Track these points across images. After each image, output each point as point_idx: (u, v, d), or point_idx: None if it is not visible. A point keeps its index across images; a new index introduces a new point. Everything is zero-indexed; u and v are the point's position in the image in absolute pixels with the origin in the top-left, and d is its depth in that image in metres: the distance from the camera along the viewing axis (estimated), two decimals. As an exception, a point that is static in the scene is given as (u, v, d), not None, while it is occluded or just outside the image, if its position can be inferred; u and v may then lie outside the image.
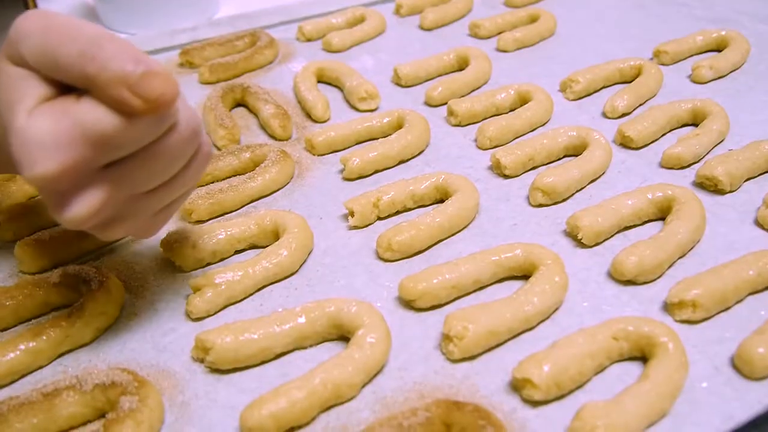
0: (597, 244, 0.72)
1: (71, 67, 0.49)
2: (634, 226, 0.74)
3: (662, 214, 0.73)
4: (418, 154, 0.88)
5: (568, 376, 0.56)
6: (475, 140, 0.89)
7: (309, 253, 0.73)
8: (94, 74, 0.48)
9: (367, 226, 0.77)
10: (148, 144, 0.53)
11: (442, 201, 0.77)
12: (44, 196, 0.53)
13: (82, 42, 0.49)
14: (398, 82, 1.04)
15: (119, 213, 0.56)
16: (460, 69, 1.05)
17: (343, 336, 0.63)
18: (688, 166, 0.82)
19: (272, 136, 0.93)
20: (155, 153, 0.53)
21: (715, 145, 0.85)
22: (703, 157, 0.83)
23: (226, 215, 0.79)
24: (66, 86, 0.51)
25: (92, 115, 0.49)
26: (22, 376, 0.62)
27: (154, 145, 0.53)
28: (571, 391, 0.57)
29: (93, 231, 0.56)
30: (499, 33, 1.15)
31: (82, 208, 0.51)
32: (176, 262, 0.72)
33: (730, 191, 0.77)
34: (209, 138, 0.57)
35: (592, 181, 0.81)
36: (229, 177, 0.85)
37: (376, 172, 0.85)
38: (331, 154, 0.89)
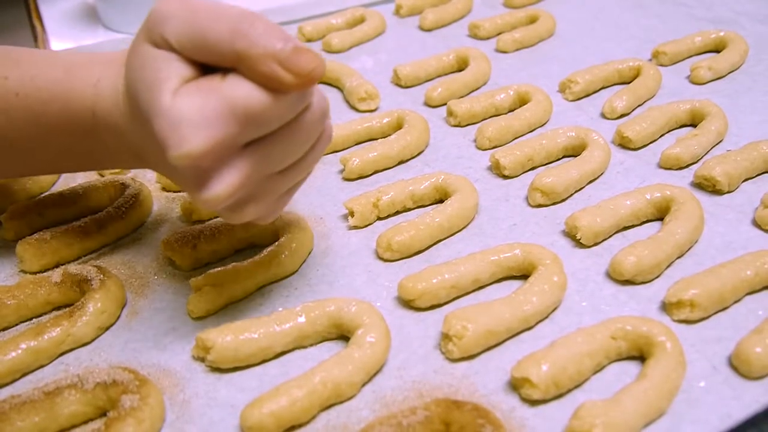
0: (596, 244, 0.72)
1: (222, 44, 0.50)
2: (633, 226, 0.74)
3: (660, 214, 0.74)
4: (418, 154, 0.88)
5: (567, 376, 0.56)
6: (475, 141, 0.90)
7: (309, 253, 0.73)
8: (245, 50, 0.49)
9: (366, 226, 0.77)
10: (287, 122, 0.54)
11: (441, 201, 0.78)
12: (181, 177, 0.55)
13: (231, 20, 0.50)
14: (398, 82, 1.04)
15: (252, 193, 0.56)
16: (460, 69, 1.05)
17: (343, 335, 0.63)
18: (687, 166, 0.82)
19: (272, 137, 0.93)
20: (293, 131, 0.55)
21: (714, 146, 0.85)
22: (702, 157, 0.83)
23: (227, 215, 0.80)
24: (206, 69, 0.52)
25: (241, 91, 0.50)
26: (24, 375, 0.62)
27: (293, 123, 0.54)
28: (569, 390, 0.57)
29: (224, 212, 0.57)
30: (499, 34, 1.15)
31: (223, 187, 0.51)
32: (177, 262, 0.72)
33: (728, 192, 0.78)
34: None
35: (591, 182, 0.81)
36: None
37: (376, 172, 0.85)
38: (330, 155, 0.90)
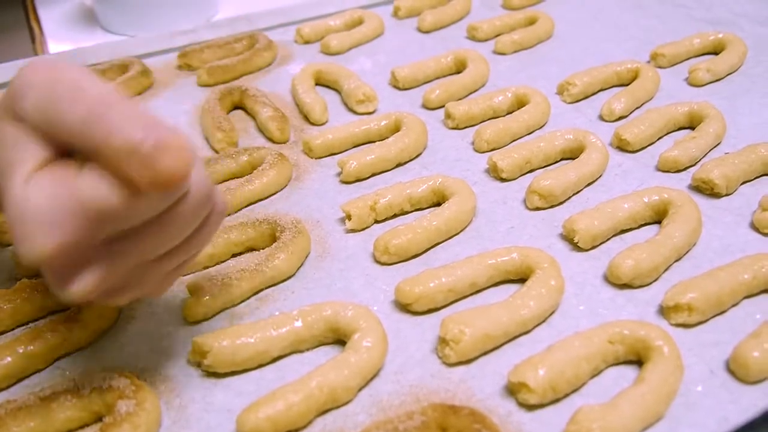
0: (593, 248, 0.72)
1: (76, 131, 0.44)
2: (631, 229, 0.74)
3: (658, 217, 0.74)
4: (416, 157, 0.88)
5: (564, 380, 0.56)
6: (473, 143, 0.89)
7: (306, 257, 0.73)
8: (100, 141, 0.43)
9: (364, 229, 0.77)
10: (155, 216, 0.48)
11: (439, 204, 0.78)
12: (42, 271, 0.49)
13: (89, 102, 0.44)
14: (396, 84, 1.04)
15: (125, 282, 0.51)
16: (458, 71, 1.05)
17: (340, 339, 0.63)
18: (685, 169, 0.82)
19: (270, 139, 0.93)
20: (163, 223, 0.48)
21: (712, 149, 0.85)
22: (700, 160, 0.83)
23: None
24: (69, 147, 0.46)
25: (93, 189, 0.44)
26: (20, 380, 0.62)
27: (162, 216, 0.48)
28: (566, 395, 0.57)
29: (99, 301, 0.51)
30: (497, 35, 1.15)
31: (84, 285, 0.47)
32: (174, 266, 0.72)
33: (727, 194, 0.77)
34: (219, 192, 0.55)
35: (589, 184, 0.81)
36: (227, 180, 0.86)
37: (374, 175, 0.85)
38: (328, 157, 0.89)
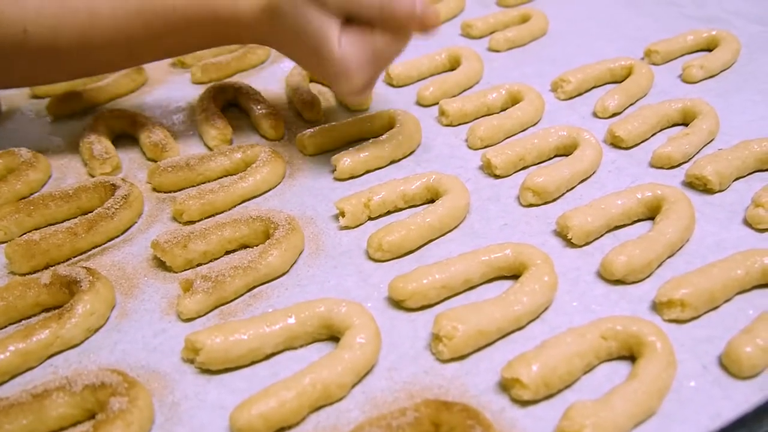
0: (587, 244, 0.72)
1: (371, 7, 0.73)
2: (624, 225, 0.74)
3: (652, 213, 0.74)
4: (410, 154, 0.88)
5: (557, 376, 0.56)
6: (466, 140, 0.89)
7: (299, 254, 0.73)
8: (387, 13, 0.73)
9: (358, 226, 0.77)
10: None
11: (432, 201, 0.78)
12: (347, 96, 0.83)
13: None
14: (390, 82, 1.04)
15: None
16: (452, 69, 1.05)
17: (334, 336, 0.63)
18: (678, 165, 0.82)
19: (264, 136, 0.93)
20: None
21: (705, 145, 0.85)
22: (693, 156, 0.83)
23: (217, 215, 0.79)
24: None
25: (387, 46, 0.76)
26: (13, 377, 0.62)
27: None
28: (559, 391, 0.57)
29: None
30: (491, 33, 1.15)
31: (359, 87, 0.78)
32: (167, 263, 0.72)
33: (720, 190, 0.78)
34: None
35: (583, 181, 0.81)
36: (221, 177, 0.85)
37: (368, 172, 0.85)
38: (322, 154, 0.89)
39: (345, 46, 0.74)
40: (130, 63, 0.94)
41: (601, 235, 0.73)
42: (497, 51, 1.11)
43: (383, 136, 0.87)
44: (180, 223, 0.79)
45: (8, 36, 0.80)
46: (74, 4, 0.81)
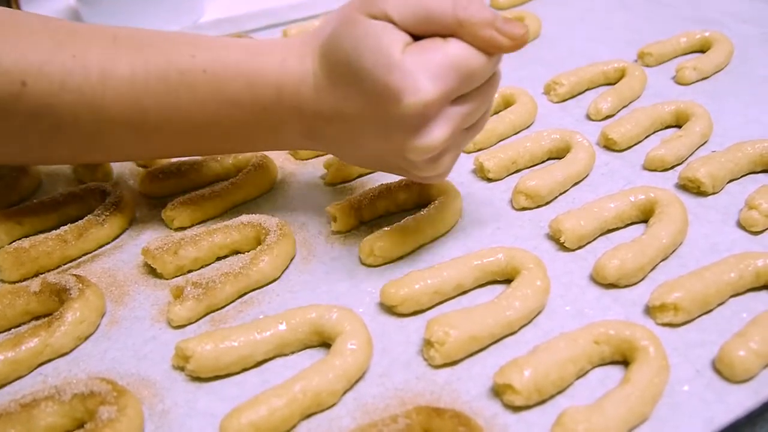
0: (579, 248, 0.72)
1: (445, 15, 0.59)
2: (617, 229, 0.74)
3: (645, 216, 0.73)
4: (402, 158, 0.87)
5: (550, 381, 0.56)
6: (459, 144, 0.89)
7: (291, 259, 0.73)
8: (467, 18, 0.59)
9: (349, 231, 0.76)
10: (486, 80, 0.63)
11: (424, 205, 0.77)
12: (403, 126, 0.61)
13: None
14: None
15: (448, 147, 0.64)
16: (445, 72, 1.04)
17: (325, 342, 0.62)
18: (671, 168, 0.82)
19: (256, 141, 0.93)
20: (487, 88, 0.64)
21: (698, 147, 0.85)
22: (686, 158, 0.83)
23: (208, 221, 0.79)
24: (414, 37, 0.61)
25: (463, 52, 0.59)
26: (2, 387, 0.61)
27: (489, 81, 0.64)
28: (552, 396, 0.57)
29: (423, 165, 0.64)
30: (484, 35, 1.15)
31: (438, 134, 0.60)
32: (157, 269, 0.71)
33: (713, 193, 0.77)
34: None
35: (576, 184, 0.81)
36: (212, 183, 0.85)
37: (360, 176, 0.85)
38: (314, 159, 0.89)
39: (410, 53, 0.58)
40: (142, 149, 0.74)
41: (594, 239, 0.73)
42: (490, 54, 1.11)
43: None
44: (171, 229, 0.78)
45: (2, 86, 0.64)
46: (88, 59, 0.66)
